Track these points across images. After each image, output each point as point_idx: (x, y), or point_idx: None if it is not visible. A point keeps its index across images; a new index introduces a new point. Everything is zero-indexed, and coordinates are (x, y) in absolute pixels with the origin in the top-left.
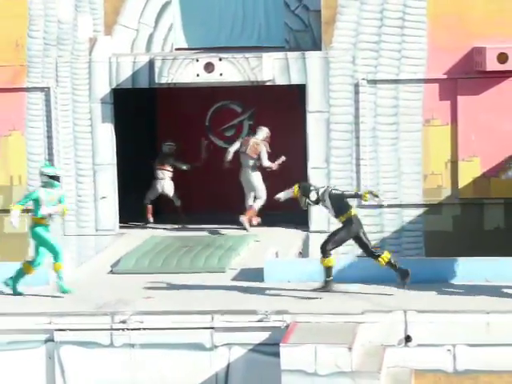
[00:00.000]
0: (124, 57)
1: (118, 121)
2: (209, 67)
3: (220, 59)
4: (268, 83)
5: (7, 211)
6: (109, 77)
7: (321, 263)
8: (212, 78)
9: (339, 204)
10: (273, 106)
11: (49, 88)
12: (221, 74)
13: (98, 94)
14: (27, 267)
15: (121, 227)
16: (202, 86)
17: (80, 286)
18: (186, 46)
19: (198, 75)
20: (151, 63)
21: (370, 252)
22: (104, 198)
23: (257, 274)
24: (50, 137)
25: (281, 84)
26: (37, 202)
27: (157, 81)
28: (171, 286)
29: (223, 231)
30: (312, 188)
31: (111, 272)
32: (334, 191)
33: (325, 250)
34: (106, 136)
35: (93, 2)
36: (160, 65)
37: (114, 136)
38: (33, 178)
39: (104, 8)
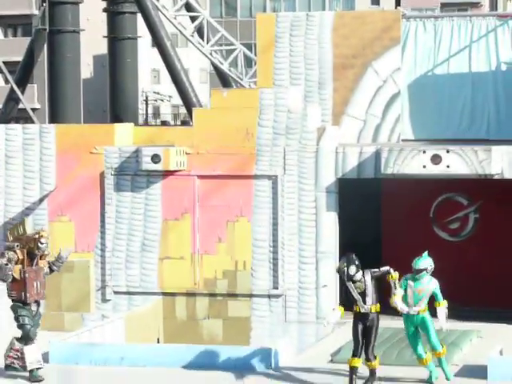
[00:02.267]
0: (351, 147)
1: (341, 209)
2: (436, 159)
3: (447, 151)
4: (496, 176)
5: (232, 295)
6: (335, 166)
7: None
8: (438, 170)
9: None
10: (500, 199)
11: (276, 176)
12: (448, 166)
13: (324, 182)
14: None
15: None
16: (428, 178)
17: (300, 373)
18: (413, 138)
19: (424, 167)
20: (377, 154)
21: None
22: (325, 286)
23: (480, 371)
24: (275, 224)
25: (509, 178)
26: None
27: (383, 171)
28: (390, 378)
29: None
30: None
31: (331, 361)
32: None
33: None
34: (330, 225)
35: (322, 93)
36: (386, 155)
37: (338, 225)
38: (257, 263)
39: (333, 98)
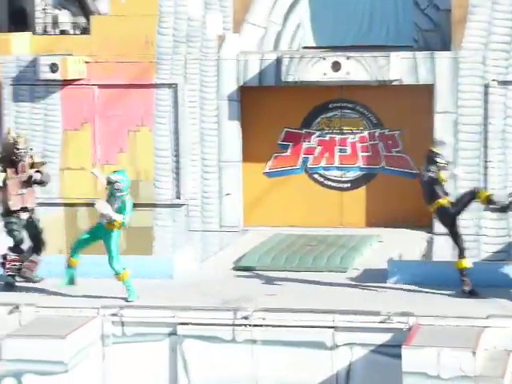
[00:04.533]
0: (252, 55)
1: (244, 118)
2: (336, 66)
3: (347, 58)
4: (395, 83)
5: (134, 205)
6: (236, 74)
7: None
8: (339, 77)
9: None
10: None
11: (177, 85)
12: (347, 73)
13: (226, 91)
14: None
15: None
16: (329, 85)
17: (203, 281)
18: (314, 45)
19: (324, 74)
20: (278, 61)
21: None
22: (228, 194)
23: (380, 275)
24: (177, 133)
25: (408, 84)
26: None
27: (283, 79)
28: (293, 284)
29: (347, 231)
30: None
31: (234, 268)
32: None
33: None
34: (233, 133)
35: (222, 0)
36: (287, 63)
37: (241, 133)
38: (160, 173)
39: (233, 6)
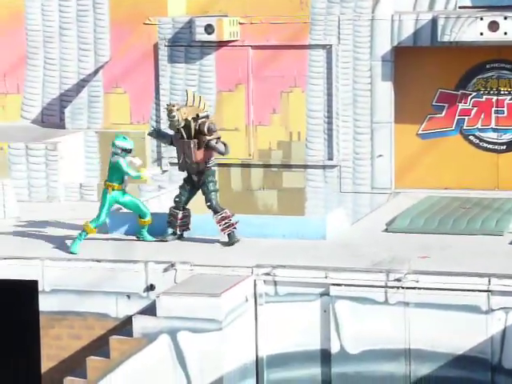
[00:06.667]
0: (406, 15)
1: (397, 79)
2: (493, 26)
3: (505, 18)
4: None
5: (286, 166)
6: (390, 35)
7: None
8: (496, 37)
9: None
10: None
11: (331, 45)
12: (505, 33)
13: (379, 51)
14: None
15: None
16: (485, 45)
17: (355, 242)
18: (470, 5)
19: (481, 34)
20: (434, 21)
21: None
22: (380, 156)
23: None
24: (329, 94)
25: None
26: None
27: (439, 39)
28: (446, 247)
29: (503, 194)
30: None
31: (386, 230)
32: None
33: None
34: (385, 94)
35: None
36: (443, 23)
37: (393, 94)
38: (312, 134)
39: None
